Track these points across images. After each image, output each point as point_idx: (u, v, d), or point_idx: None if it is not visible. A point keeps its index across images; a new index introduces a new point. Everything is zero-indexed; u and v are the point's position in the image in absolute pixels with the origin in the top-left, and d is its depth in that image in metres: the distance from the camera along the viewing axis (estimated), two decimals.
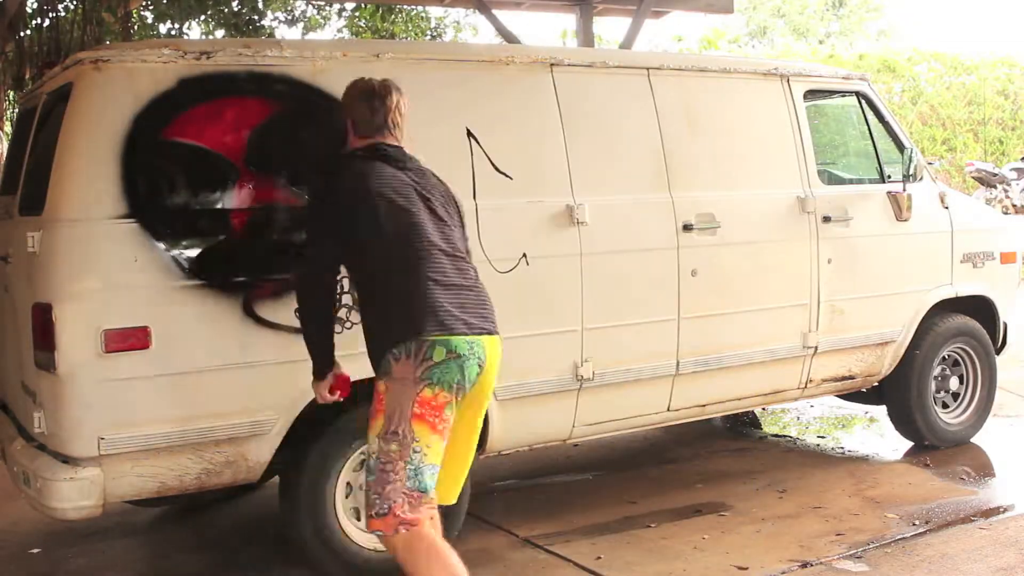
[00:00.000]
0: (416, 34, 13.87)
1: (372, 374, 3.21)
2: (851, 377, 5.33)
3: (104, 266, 3.51)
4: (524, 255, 4.21)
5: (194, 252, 3.63)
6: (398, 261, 3.11)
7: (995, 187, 15.51)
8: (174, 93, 3.68)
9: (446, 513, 3.36)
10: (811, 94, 5.27)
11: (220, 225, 3.69)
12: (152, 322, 3.55)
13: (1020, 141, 18.53)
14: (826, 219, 5.07)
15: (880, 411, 6.08)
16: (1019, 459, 5.62)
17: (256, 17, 11.79)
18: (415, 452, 3.02)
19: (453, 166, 4.02)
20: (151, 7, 11.00)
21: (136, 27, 10.59)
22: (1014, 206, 15.11)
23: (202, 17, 11.33)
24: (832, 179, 5.39)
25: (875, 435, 6.17)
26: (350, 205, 3.17)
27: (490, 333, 3.17)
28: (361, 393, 3.46)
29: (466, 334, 3.08)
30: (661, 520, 4.67)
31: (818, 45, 27.56)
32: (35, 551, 4.61)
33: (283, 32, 12.90)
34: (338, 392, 3.39)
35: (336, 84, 3.94)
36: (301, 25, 13.10)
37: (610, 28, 15.84)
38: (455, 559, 3.09)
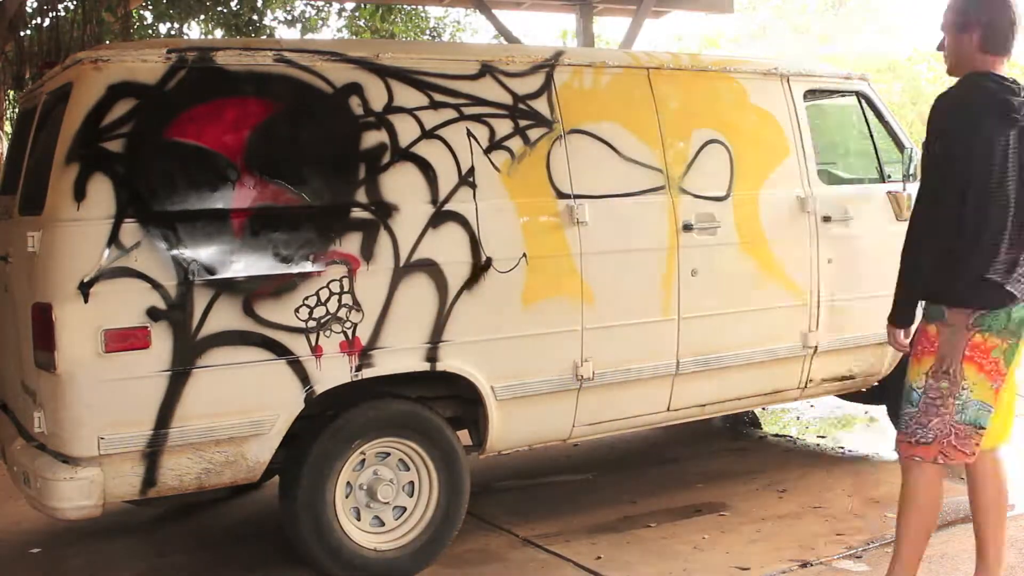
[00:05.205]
0: (416, 34, 13.87)
1: None
2: (851, 377, 5.32)
3: (104, 266, 3.50)
4: (524, 255, 4.22)
5: (194, 251, 3.62)
6: (974, 224, 3.24)
7: None
8: (174, 93, 3.68)
9: None
10: (811, 94, 5.27)
11: (220, 224, 3.68)
12: (151, 322, 3.55)
13: None
14: (826, 219, 5.06)
15: (880, 411, 6.07)
16: (1019, 459, 5.61)
17: (256, 17, 11.80)
18: (963, 390, 3.30)
19: (453, 166, 4.07)
20: (151, 7, 11.02)
21: (136, 27, 10.59)
22: None
23: (202, 17, 11.35)
24: (832, 179, 5.39)
25: (875, 435, 6.17)
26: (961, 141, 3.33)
27: None
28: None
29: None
30: (661, 520, 4.67)
31: (818, 45, 27.55)
32: (35, 551, 4.61)
33: (283, 32, 12.90)
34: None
35: (334, 84, 3.95)
36: (301, 25, 13.10)
37: (610, 28, 15.86)
38: (932, 516, 3.52)
